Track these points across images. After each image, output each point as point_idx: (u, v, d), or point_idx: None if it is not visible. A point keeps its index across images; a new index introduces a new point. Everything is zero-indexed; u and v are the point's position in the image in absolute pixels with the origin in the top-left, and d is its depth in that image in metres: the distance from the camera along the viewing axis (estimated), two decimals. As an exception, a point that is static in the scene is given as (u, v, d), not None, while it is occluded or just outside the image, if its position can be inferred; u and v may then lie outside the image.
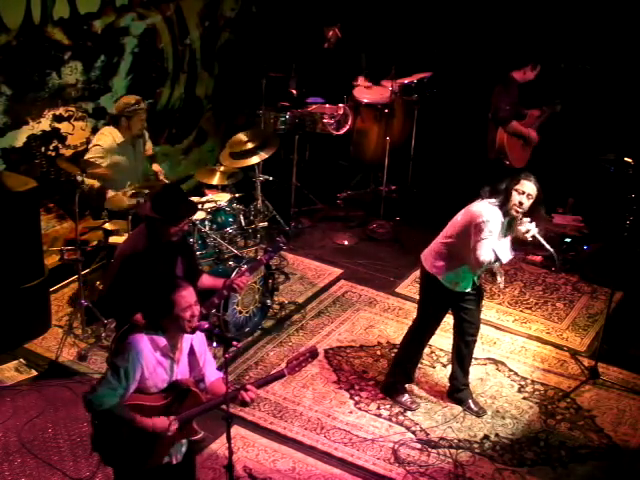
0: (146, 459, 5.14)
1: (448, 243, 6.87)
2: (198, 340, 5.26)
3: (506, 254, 6.73)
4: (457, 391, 7.36)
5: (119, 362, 4.96)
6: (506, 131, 9.34)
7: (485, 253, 6.58)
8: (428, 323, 7.21)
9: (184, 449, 5.38)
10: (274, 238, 7.74)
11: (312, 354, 5.41)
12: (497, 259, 6.67)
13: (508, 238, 6.75)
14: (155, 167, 8.76)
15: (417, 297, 8.68)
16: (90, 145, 8.33)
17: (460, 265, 6.79)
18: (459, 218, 6.87)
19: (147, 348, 4.98)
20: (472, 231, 6.62)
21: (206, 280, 6.87)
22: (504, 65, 9.49)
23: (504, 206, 6.63)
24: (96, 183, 8.07)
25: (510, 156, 9.39)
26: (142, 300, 5.21)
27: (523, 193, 6.63)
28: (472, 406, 7.29)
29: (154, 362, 5.02)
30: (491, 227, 6.59)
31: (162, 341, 5.03)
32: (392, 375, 7.45)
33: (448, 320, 7.42)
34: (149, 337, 5.01)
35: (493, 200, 6.65)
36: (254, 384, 5.25)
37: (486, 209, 6.63)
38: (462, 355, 7.25)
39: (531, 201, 6.64)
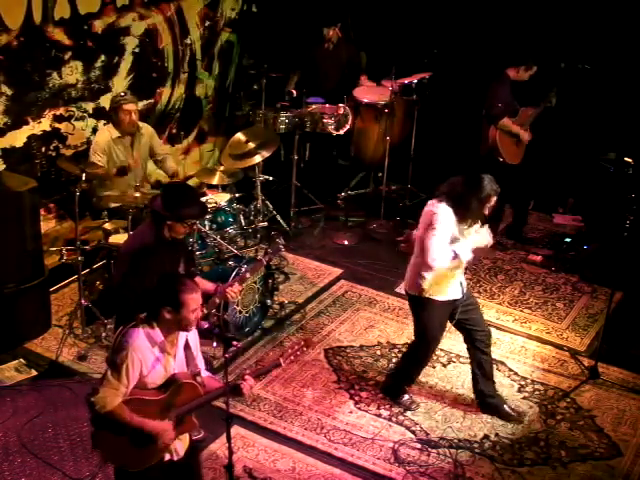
0: (146, 456, 5.14)
1: (419, 253, 6.81)
2: (192, 335, 5.27)
3: (466, 253, 6.66)
4: (490, 398, 7.25)
5: (118, 360, 4.95)
6: (497, 128, 9.35)
7: (437, 249, 6.54)
8: (429, 345, 7.13)
9: (186, 445, 5.39)
10: (274, 240, 7.78)
11: (306, 343, 5.45)
12: (456, 256, 6.62)
13: (470, 239, 6.69)
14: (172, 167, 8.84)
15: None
16: (93, 147, 8.36)
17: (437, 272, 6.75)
18: (420, 228, 6.82)
19: (144, 344, 4.99)
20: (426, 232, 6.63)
21: (199, 283, 6.91)
22: (500, 61, 9.51)
23: (466, 215, 6.61)
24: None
25: (503, 153, 9.40)
26: (149, 292, 5.20)
27: (491, 206, 6.68)
28: (509, 412, 7.23)
29: (152, 358, 5.02)
30: (443, 226, 6.55)
31: (159, 336, 5.03)
32: (394, 378, 7.43)
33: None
34: (145, 332, 5.01)
35: (449, 205, 6.60)
36: (251, 374, 5.27)
37: (438, 209, 6.59)
38: (484, 365, 7.14)
39: None
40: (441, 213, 6.57)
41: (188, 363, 5.23)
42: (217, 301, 7.03)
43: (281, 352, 5.48)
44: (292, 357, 5.39)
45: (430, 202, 6.73)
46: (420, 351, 7.18)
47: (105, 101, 9.13)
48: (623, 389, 7.65)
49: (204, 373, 5.37)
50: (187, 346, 5.23)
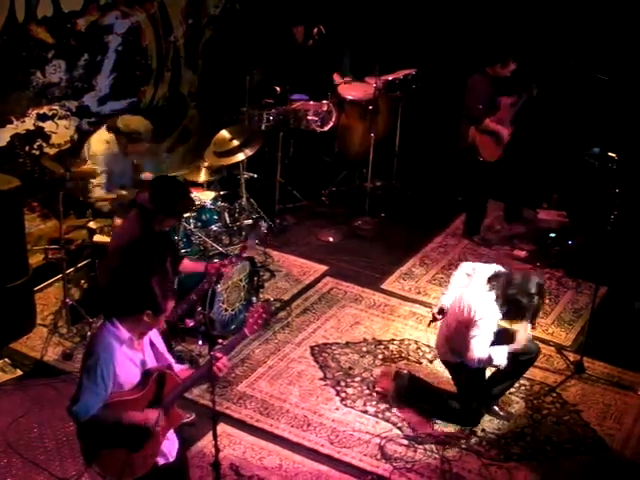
0: (142, 461, 5.12)
1: (452, 334, 6.87)
2: (152, 332, 5.27)
3: (503, 357, 6.71)
4: (493, 399, 7.26)
5: (90, 364, 4.91)
6: (478, 129, 9.37)
7: (478, 350, 6.58)
8: (475, 399, 7.07)
9: (176, 446, 5.39)
10: (256, 223, 7.88)
11: (265, 310, 5.44)
12: (490, 360, 6.68)
13: (510, 347, 6.77)
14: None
15: (402, 294, 8.79)
16: (86, 152, 8.30)
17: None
18: (458, 304, 6.84)
19: (112, 344, 4.95)
20: (468, 325, 6.65)
21: (187, 264, 7.12)
22: (480, 60, 9.55)
23: (516, 318, 6.66)
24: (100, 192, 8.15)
25: (482, 152, 9.43)
26: (128, 291, 5.20)
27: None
28: (498, 411, 7.24)
29: (122, 356, 4.98)
30: (487, 324, 6.59)
31: (124, 334, 5.00)
32: (411, 398, 7.34)
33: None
34: (110, 332, 4.98)
35: (494, 297, 6.63)
36: (221, 351, 5.25)
37: (483, 304, 6.61)
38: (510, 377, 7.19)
39: None
40: (486, 311, 6.59)
41: (158, 358, 5.23)
42: (206, 287, 7.07)
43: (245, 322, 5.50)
44: (255, 326, 5.39)
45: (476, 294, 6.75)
46: (467, 412, 7.08)
47: (89, 100, 9.11)
48: (608, 383, 7.68)
49: (176, 367, 5.36)
50: (151, 343, 5.24)
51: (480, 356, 6.60)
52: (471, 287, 6.82)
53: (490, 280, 6.72)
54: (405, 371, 7.44)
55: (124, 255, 6.36)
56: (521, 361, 7.02)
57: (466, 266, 7.18)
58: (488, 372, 7.19)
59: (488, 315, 6.59)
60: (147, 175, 8.31)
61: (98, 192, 8.13)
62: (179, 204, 6.54)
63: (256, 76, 10.47)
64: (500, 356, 6.66)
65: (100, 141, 8.30)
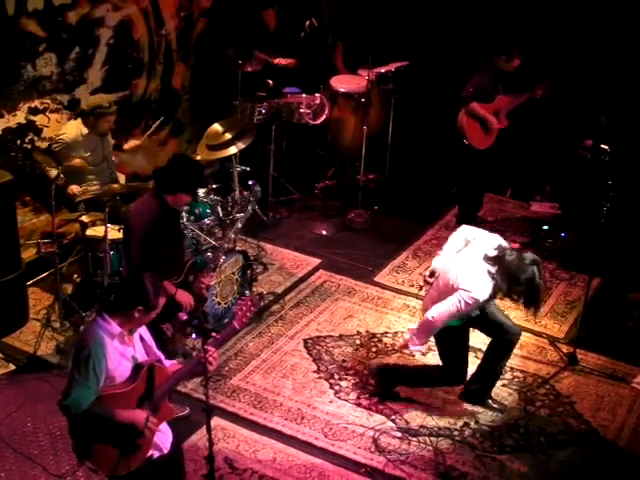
0: (134, 456, 5.12)
1: (441, 297, 6.79)
2: (141, 327, 5.28)
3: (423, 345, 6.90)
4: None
5: (82, 358, 4.90)
6: (466, 112, 9.40)
7: (440, 318, 6.61)
8: (456, 364, 7.15)
9: (170, 438, 5.39)
10: (249, 185, 8.48)
11: (253, 303, 5.45)
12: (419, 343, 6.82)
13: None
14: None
15: (395, 286, 8.80)
16: (58, 137, 8.34)
17: None
18: (449, 272, 6.77)
19: (104, 338, 4.96)
20: (452, 294, 6.62)
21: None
22: (479, 48, 9.55)
23: (509, 292, 6.62)
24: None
25: (468, 136, 9.46)
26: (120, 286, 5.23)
27: None
28: (492, 403, 7.25)
29: (114, 351, 4.99)
30: (470, 306, 6.58)
31: (116, 328, 5.02)
32: (391, 384, 7.39)
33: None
34: (102, 327, 4.99)
35: (495, 281, 6.59)
36: (212, 344, 5.26)
37: (481, 288, 6.56)
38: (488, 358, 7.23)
39: None
40: (473, 287, 6.55)
41: (148, 353, 5.23)
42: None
43: (232, 316, 5.52)
44: (244, 319, 5.42)
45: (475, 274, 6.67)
46: (451, 370, 7.15)
47: (80, 93, 9.08)
48: (602, 375, 7.69)
49: (166, 362, 5.37)
50: (141, 337, 5.25)
51: (437, 321, 6.63)
52: (467, 258, 6.75)
53: (489, 260, 6.63)
54: (372, 364, 7.54)
55: (149, 234, 6.51)
56: (504, 340, 7.06)
57: (467, 231, 7.07)
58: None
59: (478, 299, 6.55)
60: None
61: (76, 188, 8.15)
62: (197, 179, 6.85)
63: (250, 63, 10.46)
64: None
65: (71, 127, 8.36)
